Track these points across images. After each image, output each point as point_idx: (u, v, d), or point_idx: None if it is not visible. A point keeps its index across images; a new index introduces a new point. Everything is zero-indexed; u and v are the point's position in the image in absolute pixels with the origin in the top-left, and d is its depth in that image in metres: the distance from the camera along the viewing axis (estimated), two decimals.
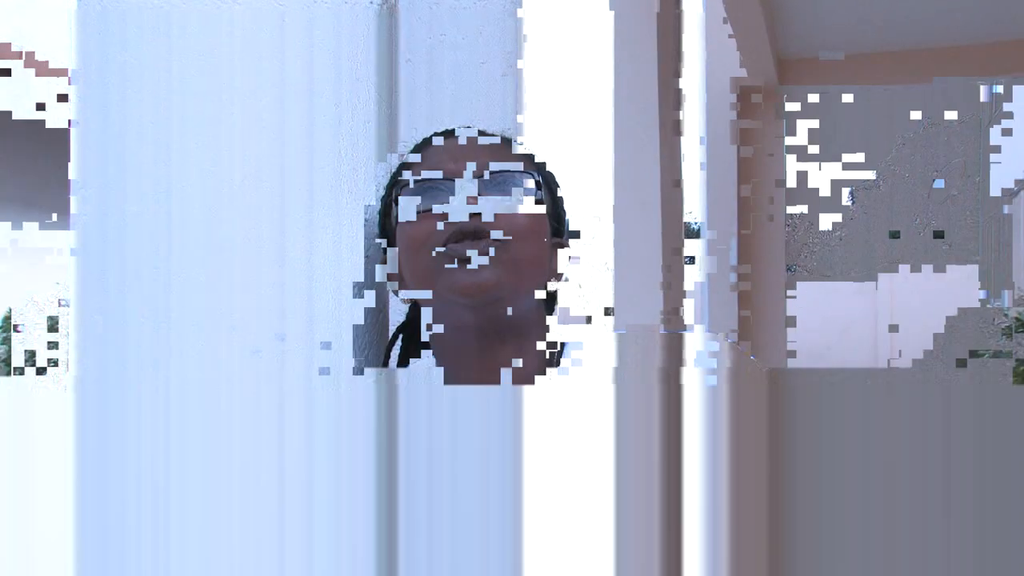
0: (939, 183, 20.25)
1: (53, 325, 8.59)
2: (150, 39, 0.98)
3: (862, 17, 5.38)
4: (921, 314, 16.01)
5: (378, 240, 1.03)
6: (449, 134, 0.99)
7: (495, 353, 0.93)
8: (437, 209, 0.92)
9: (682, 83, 4.55)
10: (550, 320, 0.98)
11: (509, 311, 0.91)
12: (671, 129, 4.64)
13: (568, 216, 1.02)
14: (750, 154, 6.76)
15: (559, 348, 0.97)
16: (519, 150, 0.99)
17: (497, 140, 0.99)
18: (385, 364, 1.08)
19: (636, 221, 5.13)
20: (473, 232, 0.90)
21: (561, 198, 1.01)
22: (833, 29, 5.76)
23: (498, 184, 0.93)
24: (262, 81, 0.99)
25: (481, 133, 0.99)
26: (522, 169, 0.95)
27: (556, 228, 0.99)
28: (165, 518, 0.97)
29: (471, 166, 0.93)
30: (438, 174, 0.94)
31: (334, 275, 1.03)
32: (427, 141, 1.00)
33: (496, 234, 0.90)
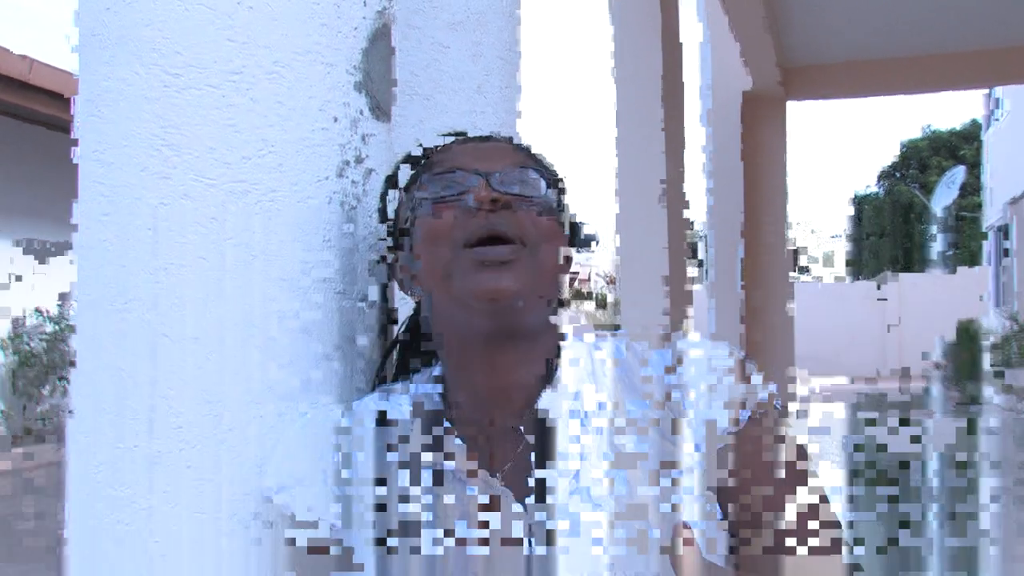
0: (941, 192, 20.19)
1: (58, 334, 8.63)
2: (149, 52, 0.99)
3: (867, 25, 5.38)
4: (927, 318, 16.01)
5: (386, 239, 1.02)
6: (467, 138, 0.99)
7: (505, 357, 0.93)
8: (462, 202, 0.91)
9: (686, 93, 4.56)
10: (555, 321, 0.97)
11: (524, 317, 0.91)
12: (675, 139, 4.64)
13: (576, 221, 1.02)
14: (755, 162, 6.75)
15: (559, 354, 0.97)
16: (536, 156, 0.99)
17: (513, 144, 0.99)
18: (381, 369, 1.08)
19: (641, 230, 5.12)
20: (498, 235, 0.89)
21: (568, 204, 1.01)
22: (838, 38, 5.75)
23: (526, 186, 0.93)
24: (258, 96, 1.00)
25: (498, 139, 0.99)
26: (542, 175, 0.95)
27: (570, 234, 0.99)
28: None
29: (500, 166, 0.93)
30: (468, 170, 0.93)
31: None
32: (446, 144, 0.99)
33: (526, 238, 0.90)
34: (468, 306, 0.90)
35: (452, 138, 1.01)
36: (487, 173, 0.92)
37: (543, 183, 0.95)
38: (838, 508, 0.94)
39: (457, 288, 0.90)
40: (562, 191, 0.99)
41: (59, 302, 8.65)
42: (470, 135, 1.02)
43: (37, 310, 8.75)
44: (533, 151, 1.01)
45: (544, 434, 0.92)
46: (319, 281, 1.03)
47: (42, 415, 8.59)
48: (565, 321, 1.00)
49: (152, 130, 0.98)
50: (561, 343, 0.98)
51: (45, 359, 8.60)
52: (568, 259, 0.97)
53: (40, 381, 8.62)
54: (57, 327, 8.68)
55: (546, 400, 0.93)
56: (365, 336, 1.08)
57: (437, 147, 1.00)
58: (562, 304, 0.98)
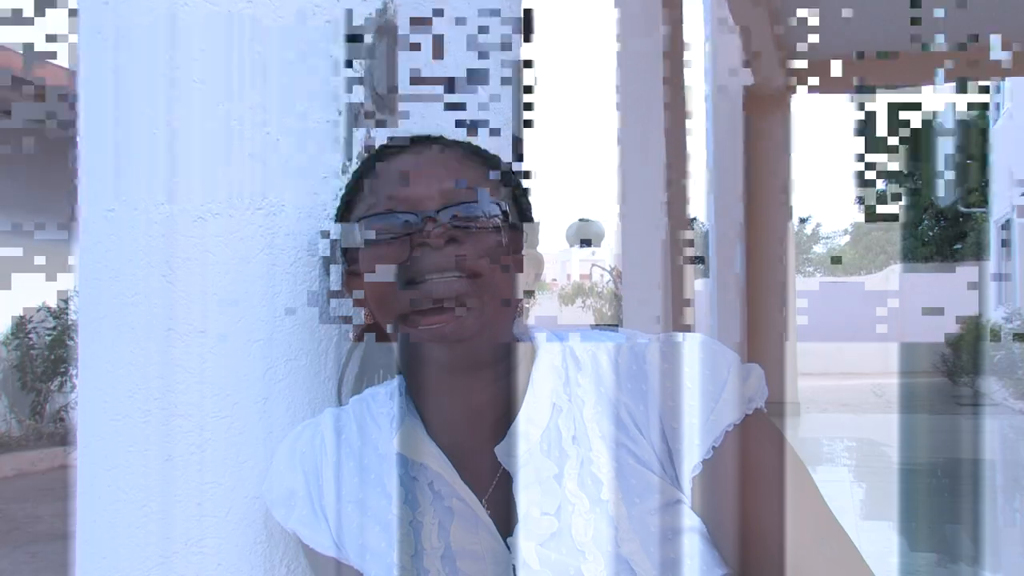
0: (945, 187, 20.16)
1: (63, 331, 8.65)
2: (149, 54, 0.99)
3: (869, 21, 5.37)
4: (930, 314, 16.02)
5: (337, 259, 0.96)
6: (408, 148, 0.92)
7: (468, 383, 0.89)
8: (400, 230, 0.85)
9: (688, 88, 4.55)
10: (520, 334, 0.92)
11: (480, 347, 0.86)
12: (677, 133, 4.63)
13: (532, 215, 0.95)
14: (758, 158, 6.75)
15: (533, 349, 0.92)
16: (481, 158, 0.92)
17: (459, 153, 0.92)
18: (340, 383, 1.04)
19: (642, 226, 5.13)
20: (442, 269, 0.83)
21: (526, 199, 0.94)
22: (841, 33, 5.75)
23: (465, 218, 0.86)
24: (260, 93, 1.00)
25: (443, 144, 0.92)
26: (488, 192, 0.88)
27: (519, 235, 0.91)
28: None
29: (433, 195, 0.86)
30: (400, 210, 0.86)
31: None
32: (382, 155, 0.93)
33: (467, 268, 0.84)
34: (415, 348, 0.87)
35: (389, 147, 0.93)
36: (423, 214, 0.85)
37: (488, 191, 0.88)
38: (841, 513, 0.90)
39: (407, 329, 0.85)
40: (510, 183, 0.92)
41: (63, 298, 8.65)
42: (416, 140, 0.93)
43: (46, 306, 8.76)
44: (473, 147, 0.93)
45: (521, 462, 0.88)
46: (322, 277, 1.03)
47: (54, 415, 8.60)
48: (537, 328, 0.94)
49: (156, 126, 0.98)
50: (534, 350, 0.92)
51: (51, 355, 8.61)
52: (523, 259, 0.90)
53: (48, 376, 8.63)
54: (57, 322, 8.69)
55: (523, 420, 0.89)
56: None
57: (368, 165, 0.92)
58: (520, 314, 0.92)
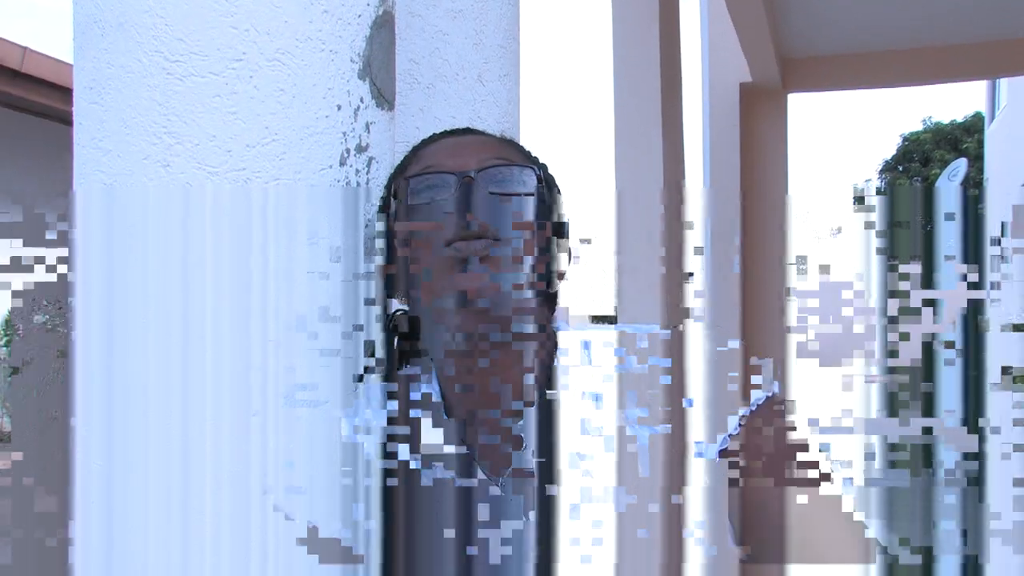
0: (942, 185, 20.19)
1: (54, 326, 8.62)
2: (148, 48, 0.98)
3: (867, 16, 5.37)
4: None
5: (378, 240, 1.00)
6: (451, 134, 0.98)
7: (492, 361, 0.91)
8: (441, 206, 0.89)
9: (684, 85, 4.55)
10: (545, 319, 0.95)
11: (511, 314, 0.89)
12: (673, 130, 4.63)
13: (567, 216, 1.00)
14: (753, 156, 6.75)
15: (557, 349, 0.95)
16: (519, 149, 0.98)
17: (498, 138, 0.98)
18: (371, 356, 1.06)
19: (638, 224, 5.12)
20: (479, 234, 0.87)
21: (560, 197, 0.98)
22: (838, 29, 5.74)
23: (502, 182, 0.91)
24: (261, 84, 0.99)
25: (481, 133, 0.98)
26: (525, 166, 0.93)
27: (557, 227, 0.96)
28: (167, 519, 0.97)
29: (474, 163, 0.91)
30: (442, 171, 0.91)
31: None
32: (427, 140, 0.98)
33: (503, 235, 0.88)
34: (448, 313, 0.89)
35: (434, 135, 1.00)
36: (462, 172, 0.90)
37: (527, 177, 0.93)
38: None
39: (437, 288, 0.88)
40: (547, 178, 0.96)
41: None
42: (458, 128, 1.01)
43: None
44: (516, 142, 0.99)
45: (546, 444, 0.90)
46: (320, 271, 1.02)
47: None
48: (559, 316, 0.98)
49: (153, 117, 0.97)
50: (555, 340, 0.96)
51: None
52: (558, 247, 0.95)
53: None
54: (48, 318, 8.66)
55: (544, 405, 0.91)
56: (369, 327, 1.07)
57: (416, 146, 0.98)
58: (554, 297, 0.96)
